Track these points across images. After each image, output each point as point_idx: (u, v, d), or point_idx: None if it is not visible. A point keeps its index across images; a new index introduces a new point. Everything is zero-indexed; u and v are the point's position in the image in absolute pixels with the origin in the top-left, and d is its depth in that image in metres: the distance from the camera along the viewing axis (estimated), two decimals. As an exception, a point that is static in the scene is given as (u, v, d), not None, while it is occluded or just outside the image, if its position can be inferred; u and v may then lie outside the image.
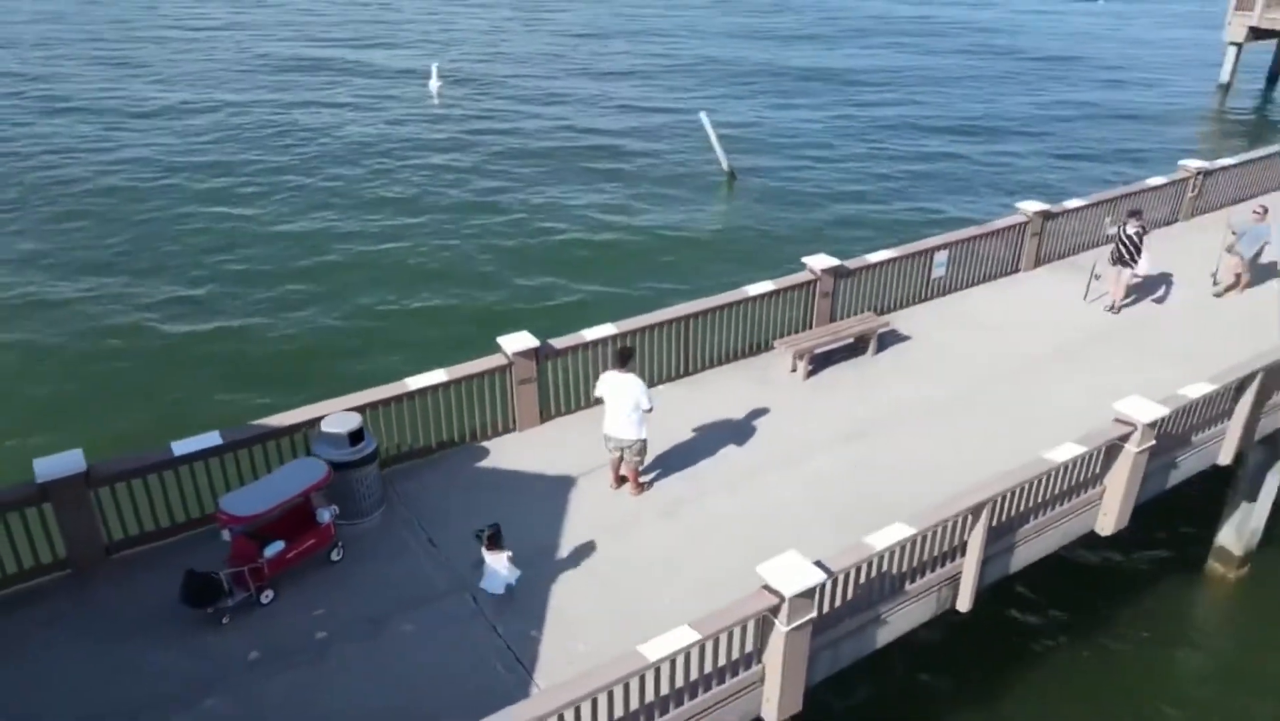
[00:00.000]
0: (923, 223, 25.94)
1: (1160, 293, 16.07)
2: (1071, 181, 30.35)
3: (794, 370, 13.63)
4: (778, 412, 12.81)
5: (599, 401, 11.17)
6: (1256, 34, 43.39)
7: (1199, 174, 19.12)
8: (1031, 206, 16.67)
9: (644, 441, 10.89)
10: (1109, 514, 11.14)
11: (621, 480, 11.28)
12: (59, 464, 9.43)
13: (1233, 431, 12.29)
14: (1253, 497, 14.31)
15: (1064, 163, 33.59)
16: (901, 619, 9.65)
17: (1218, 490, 14.57)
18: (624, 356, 10.96)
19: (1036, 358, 14.21)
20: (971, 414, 12.73)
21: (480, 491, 11.17)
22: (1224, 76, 44.64)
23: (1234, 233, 15.72)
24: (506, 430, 12.28)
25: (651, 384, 12.19)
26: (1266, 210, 15.74)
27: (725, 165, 31.94)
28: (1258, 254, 15.70)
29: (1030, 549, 10.67)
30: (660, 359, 13.23)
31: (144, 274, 23.41)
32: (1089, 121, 38.66)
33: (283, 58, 45.77)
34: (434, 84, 41.01)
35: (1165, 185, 18.77)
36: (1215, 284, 16.04)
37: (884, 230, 25.72)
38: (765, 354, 14.10)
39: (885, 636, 9.60)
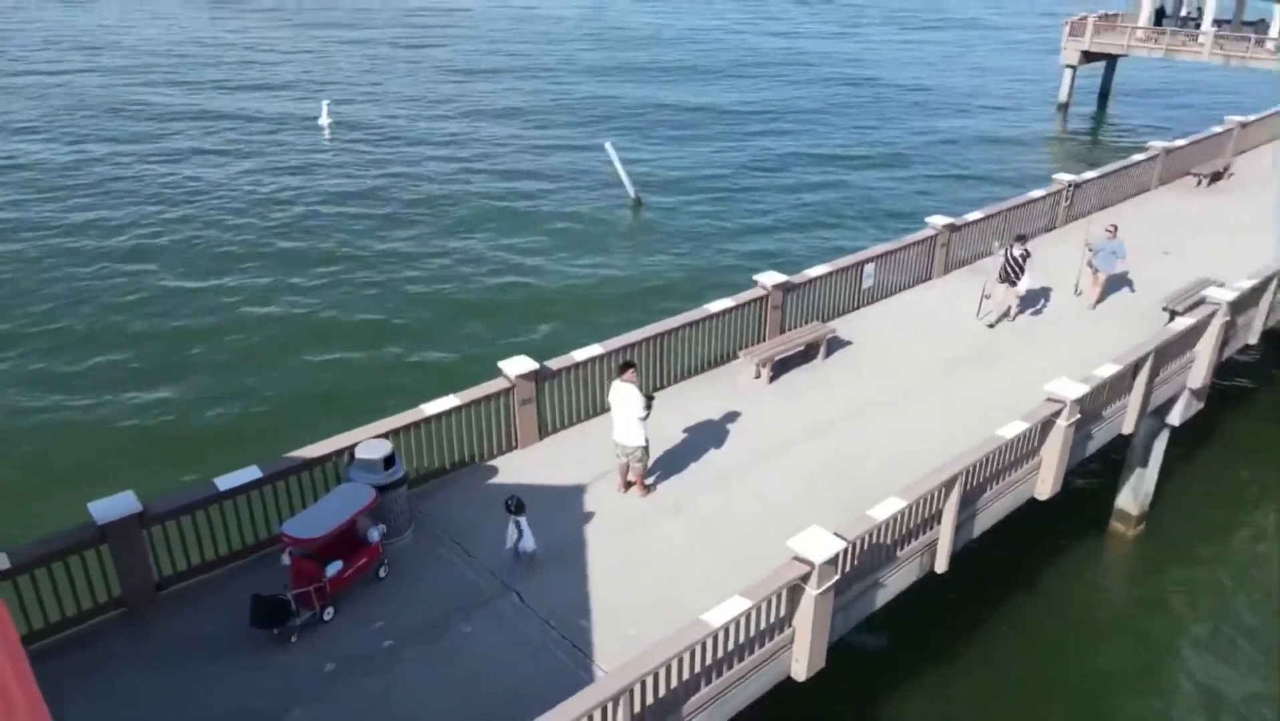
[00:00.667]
0: (811, 252, 27.79)
1: (1040, 304, 18.11)
2: (946, 205, 33.34)
3: (757, 376, 15.06)
4: (750, 415, 14.19)
5: (607, 409, 12.29)
6: (1088, 57, 48.46)
7: (1070, 186, 21.79)
8: (939, 220, 18.76)
9: (645, 447, 12.04)
10: (1045, 481, 12.98)
11: (628, 484, 12.38)
12: (115, 506, 9.83)
13: (1133, 404, 14.41)
14: (1145, 463, 16.58)
15: (936, 185, 36.65)
16: (896, 581, 11.12)
17: (1118, 458, 16.83)
18: (623, 367, 12.14)
19: (959, 354, 16.15)
20: (920, 405, 14.45)
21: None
22: (1062, 97, 49.48)
23: (1090, 249, 17.82)
24: (510, 448, 13.18)
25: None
26: (1116, 228, 18.11)
27: (632, 193, 33.46)
28: (1111, 266, 17.87)
29: (988, 515, 12.37)
30: (641, 373, 14.40)
31: (39, 344, 22.31)
32: (950, 146, 42.18)
33: (155, 105, 44.57)
34: (325, 120, 41.07)
35: (1043, 197, 21.33)
36: (1078, 293, 18.25)
37: (783, 255, 27.76)
38: (730, 363, 15.50)
39: (883, 597, 11.04)
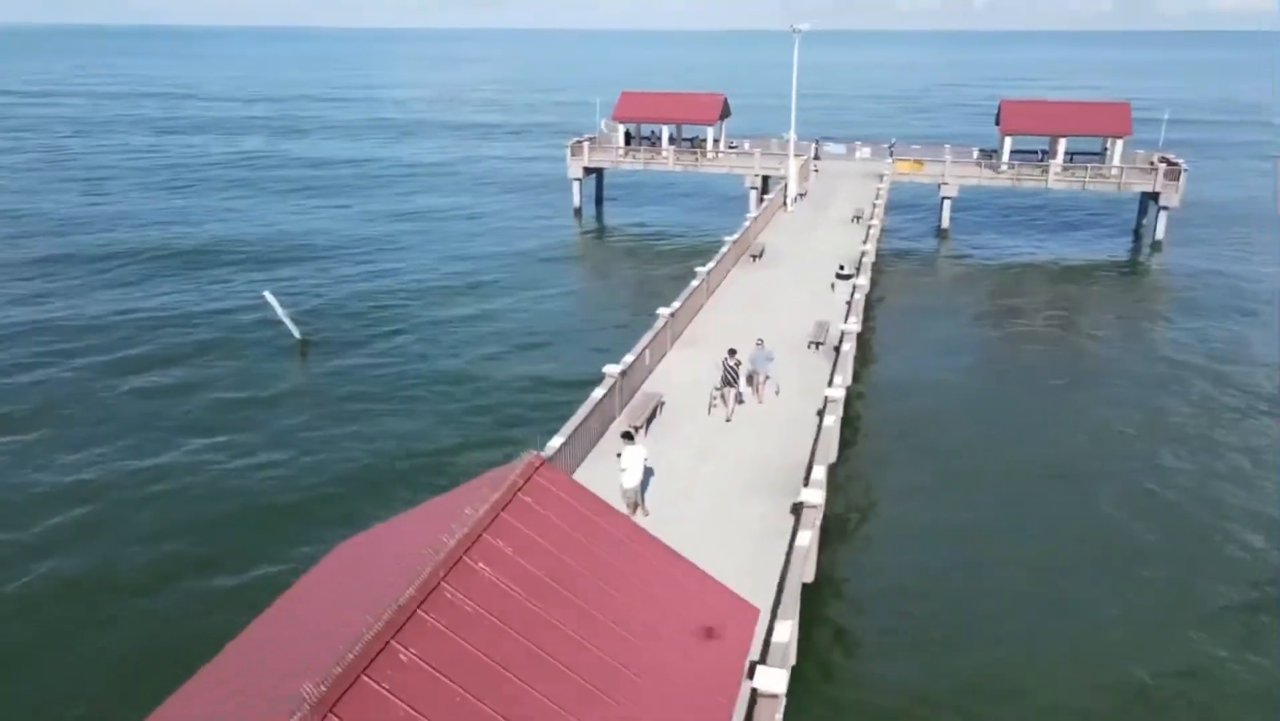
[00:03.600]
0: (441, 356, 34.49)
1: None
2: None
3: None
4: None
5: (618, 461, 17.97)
6: (589, 171, 61.67)
7: (670, 314, 31.37)
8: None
9: (639, 488, 18.01)
10: (829, 450, 21.65)
11: (634, 507, 18.15)
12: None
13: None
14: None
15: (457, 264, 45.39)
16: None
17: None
18: (628, 436, 18.00)
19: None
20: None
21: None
22: (575, 203, 61.93)
23: (751, 360, 23.17)
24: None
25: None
26: (762, 341, 23.89)
27: (297, 334, 36.16)
28: (768, 368, 23.29)
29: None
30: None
31: None
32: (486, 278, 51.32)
33: None
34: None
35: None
36: (770, 395, 23.71)
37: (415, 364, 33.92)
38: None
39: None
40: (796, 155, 56.63)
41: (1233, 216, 59.32)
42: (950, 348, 35.85)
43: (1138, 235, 55.80)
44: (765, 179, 57.89)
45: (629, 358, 23.49)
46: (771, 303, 31.20)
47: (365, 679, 7.05)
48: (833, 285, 32.72)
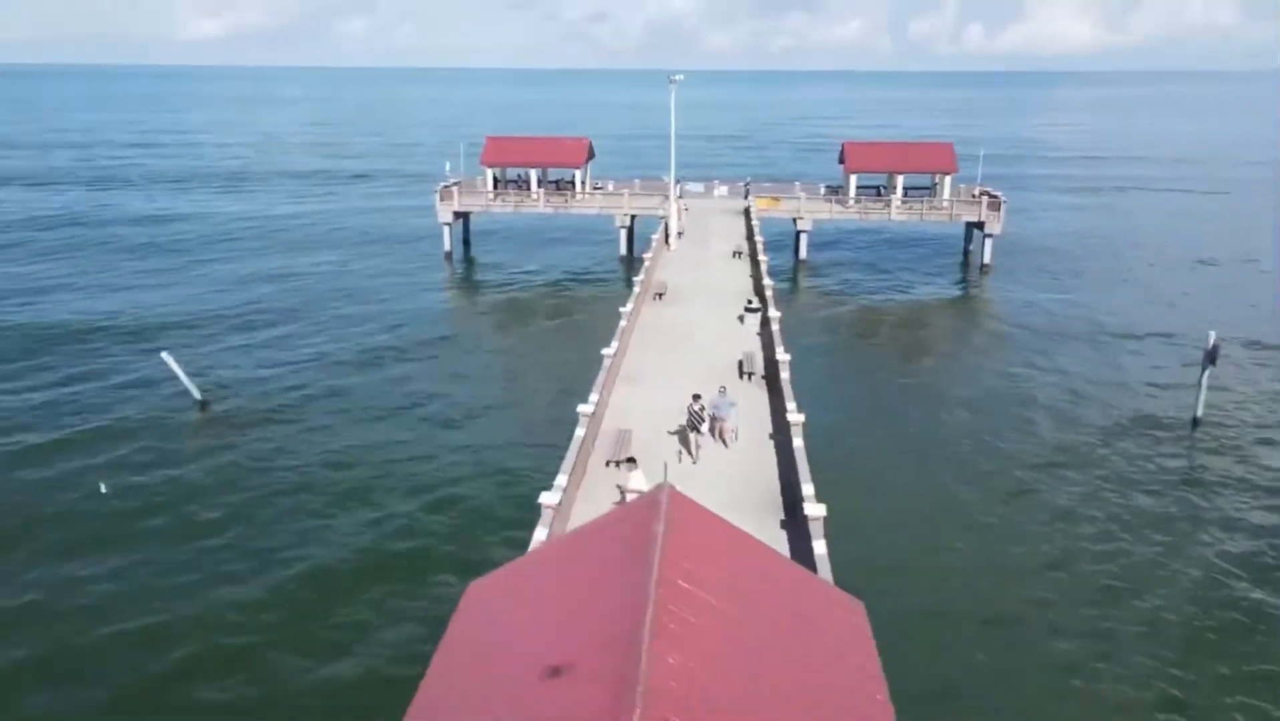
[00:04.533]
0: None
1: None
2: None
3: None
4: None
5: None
6: (458, 215, 62.19)
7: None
8: (608, 350, 28.34)
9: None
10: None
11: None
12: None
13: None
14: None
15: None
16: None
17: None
18: (632, 461, 19.53)
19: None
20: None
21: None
22: (446, 246, 62.24)
23: (715, 407, 23.66)
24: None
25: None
26: (725, 389, 24.62)
27: (197, 395, 35.08)
28: (730, 415, 23.96)
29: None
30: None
31: None
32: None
33: None
34: None
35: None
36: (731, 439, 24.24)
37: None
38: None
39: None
40: (668, 194, 59.69)
41: (1040, 239, 67.16)
42: (835, 367, 39.38)
43: (966, 258, 62.31)
44: (633, 218, 60.49)
45: (594, 396, 24.81)
46: (690, 338, 33.24)
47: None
48: (741, 318, 35.21)
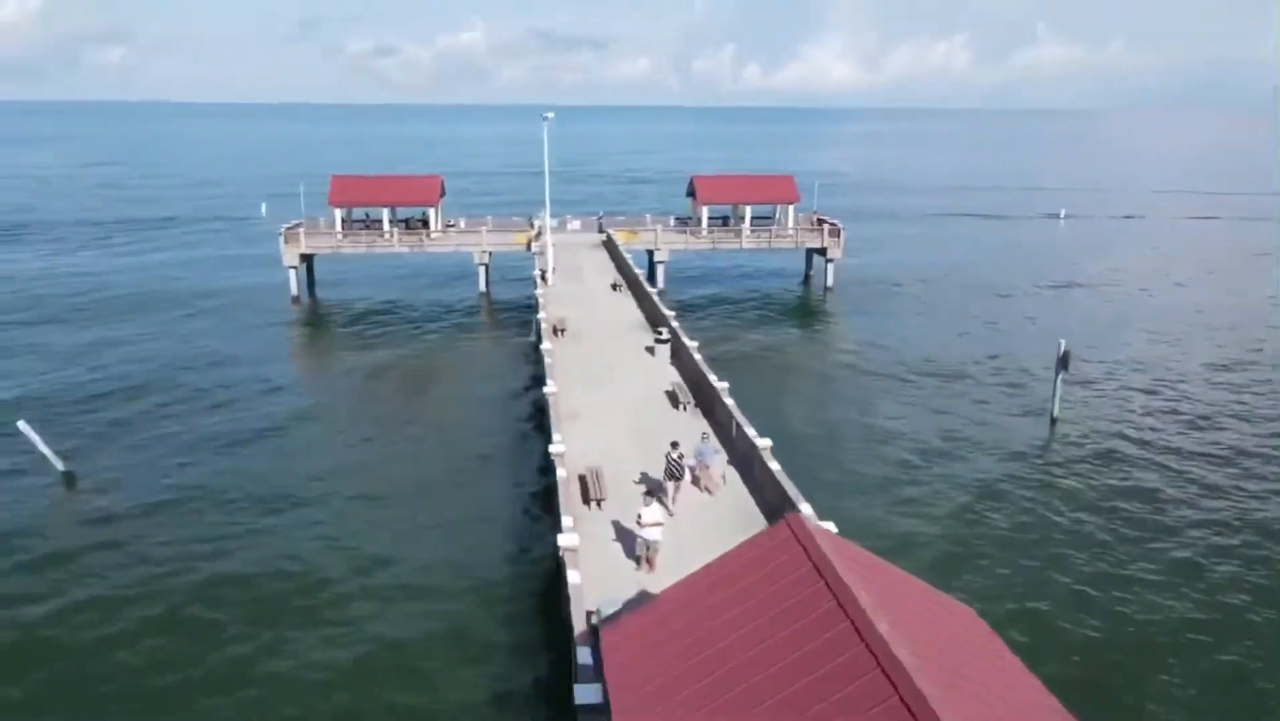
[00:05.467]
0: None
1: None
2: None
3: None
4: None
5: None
6: (304, 258, 59.22)
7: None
8: (550, 388, 28.15)
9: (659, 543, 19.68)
10: (751, 493, 24.62)
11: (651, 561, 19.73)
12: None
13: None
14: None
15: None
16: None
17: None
18: (650, 495, 19.73)
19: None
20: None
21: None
22: (293, 291, 59.04)
23: (699, 455, 23.28)
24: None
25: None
26: (706, 434, 24.85)
27: (60, 467, 31.66)
28: (712, 459, 23.75)
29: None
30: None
31: None
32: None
33: None
34: None
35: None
36: (719, 485, 23.79)
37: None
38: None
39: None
40: (532, 230, 59.76)
41: (873, 263, 72.39)
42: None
43: (808, 281, 66.21)
44: (489, 255, 59.98)
45: (558, 436, 24.66)
46: (610, 372, 33.58)
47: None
48: (651, 350, 35.92)
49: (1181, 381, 43.08)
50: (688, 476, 23.09)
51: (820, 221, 63.35)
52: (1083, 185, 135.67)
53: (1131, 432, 36.36)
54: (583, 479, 23.41)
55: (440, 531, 27.16)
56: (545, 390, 28.29)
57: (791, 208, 62.98)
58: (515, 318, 54.33)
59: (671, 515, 21.95)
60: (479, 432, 35.07)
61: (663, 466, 22.81)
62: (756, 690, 10.06)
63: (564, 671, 18.24)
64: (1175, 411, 38.99)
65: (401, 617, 22.61)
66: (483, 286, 60.72)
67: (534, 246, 54.15)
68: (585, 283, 49.69)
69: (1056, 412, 37.70)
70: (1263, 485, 31.18)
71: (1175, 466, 32.84)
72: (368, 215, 62.14)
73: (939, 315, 56.08)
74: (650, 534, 19.61)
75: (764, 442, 23.92)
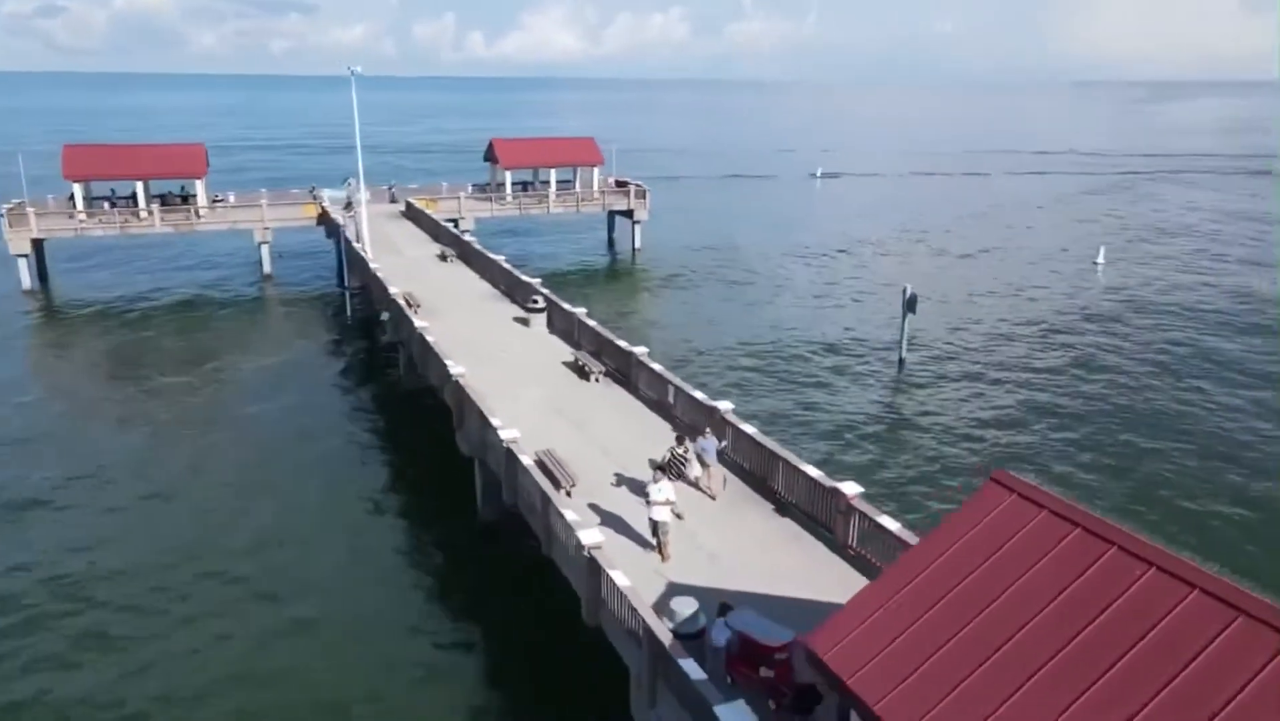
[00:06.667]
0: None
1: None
2: None
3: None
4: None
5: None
6: (35, 244, 49.32)
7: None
8: (459, 369, 24.69)
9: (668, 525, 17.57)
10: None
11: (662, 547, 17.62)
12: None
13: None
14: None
15: None
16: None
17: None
18: (661, 469, 17.51)
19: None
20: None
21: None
22: (26, 284, 49.18)
23: (702, 449, 19.88)
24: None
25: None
26: (709, 429, 20.50)
27: None
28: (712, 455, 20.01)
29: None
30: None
31: None
32: None
33: None
34: None
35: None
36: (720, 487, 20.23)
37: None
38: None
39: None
40: (316, 203, 53.93)
41: (672, 222, 72.23)
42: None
43: (612, 244, 64.90)
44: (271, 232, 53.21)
45: (497, 421, 21.55)
46: (493, 348, 30.33)
47: None
48: (525, 320, 33.01)
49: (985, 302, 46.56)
50: (695, 471, 20.11)
51: (622, 184, 62.18)
52: (823, 148, 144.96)
53: (972, 367, 38.60)
54: (542, 464, 20.55)
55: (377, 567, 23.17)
56: (452, 371, 24.79)
57: (596, 170, 61.27)
58: (311, 303, 48.54)
59: (680, 518, 18.60)
60: (331, 439, 30.62)
61: (661, 463, 19.38)
62: (1070, 656, 8.58)
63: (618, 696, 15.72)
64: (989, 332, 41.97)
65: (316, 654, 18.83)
66: (268, 268, 53.80)
67: (340, 218, 48.39)
68: (404, 254, 45.18)
69: (904, 354, 39.11)
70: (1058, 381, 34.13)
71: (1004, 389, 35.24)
72: (114, 191, 52.86)
73: (747, 272, 56.69)
74: (658, 513, 17.40)
75: (725, 405, 22.29)
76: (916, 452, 29.46)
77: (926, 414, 32.98)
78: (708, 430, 20.58)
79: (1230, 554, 22.41)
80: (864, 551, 17.42)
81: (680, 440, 20.63)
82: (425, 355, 28.55)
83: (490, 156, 60.84)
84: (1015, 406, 33.76)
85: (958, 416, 32.71)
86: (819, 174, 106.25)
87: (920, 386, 36.22)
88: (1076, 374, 37.53)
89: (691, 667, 12.94)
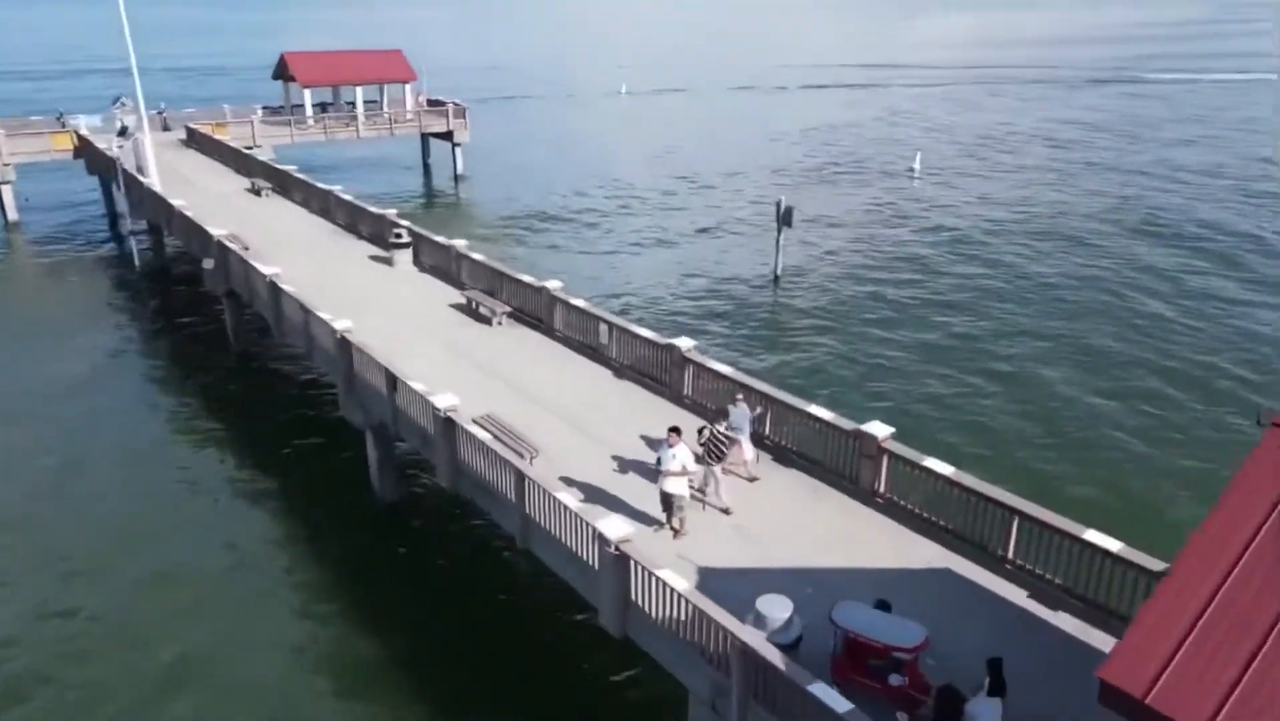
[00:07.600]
0: None
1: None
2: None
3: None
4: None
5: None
6: None
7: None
8: (341, 324, 19.81)
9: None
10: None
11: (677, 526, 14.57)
12: None
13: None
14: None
15: None
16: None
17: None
18: (676, 431, 14.39)
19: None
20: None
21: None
22: None
23: (731, 425, 16.01)
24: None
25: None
26: (741, 397, 16.60)
27: None
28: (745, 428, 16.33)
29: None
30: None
31: None
32: None
33: None
34: None
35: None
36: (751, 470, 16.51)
37: None
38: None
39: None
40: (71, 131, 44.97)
41: (497, 145, 66.22)
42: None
43: (428, 171, 58.68)
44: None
45: (420, 386, 17.20)
46: (356, 294, 25.17)
47: None
48: (389, 259, 27.97)
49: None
50: (743, 452, 16.17)
51: (437, 103, 56.00)
52: (619, 66, 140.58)
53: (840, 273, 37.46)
54: (492, 435, 16.52)
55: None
56: (336, 328, 19.87)
57: (408, 86, 54.70)
58: (80, 255, 40.16)
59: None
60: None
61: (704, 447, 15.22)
62: None
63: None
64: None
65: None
66: (13, 215, 44.08)
67: (112, 148, 39.68)
68: (203, 189, 37.82)
69: (779, 270, 37.33)
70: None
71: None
72: None
73: (581, 196, 52.60)
74: (673, 485, 14.16)
75: (685, 342, 19.09)
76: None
77: (808, 328, 31.53)
78: (738, 397, 16.46)
79: None
80: (897, 498, 15.17)
81: (715, 418, 16.06)
82: (281, 311, 23.17)
83: (283, 74, 52.78)
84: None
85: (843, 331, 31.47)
86: (624, 90, 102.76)
87: (795, 300, 34.82)
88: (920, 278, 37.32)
89: (825, 691, 9.94)
